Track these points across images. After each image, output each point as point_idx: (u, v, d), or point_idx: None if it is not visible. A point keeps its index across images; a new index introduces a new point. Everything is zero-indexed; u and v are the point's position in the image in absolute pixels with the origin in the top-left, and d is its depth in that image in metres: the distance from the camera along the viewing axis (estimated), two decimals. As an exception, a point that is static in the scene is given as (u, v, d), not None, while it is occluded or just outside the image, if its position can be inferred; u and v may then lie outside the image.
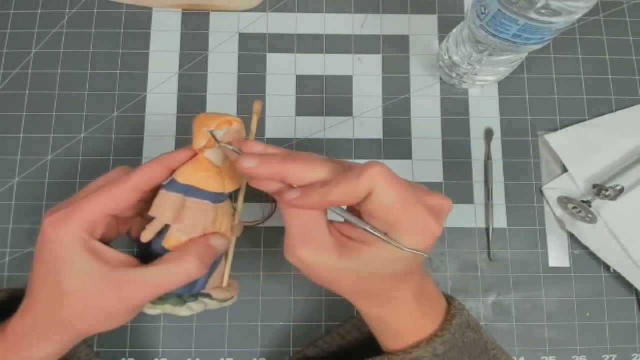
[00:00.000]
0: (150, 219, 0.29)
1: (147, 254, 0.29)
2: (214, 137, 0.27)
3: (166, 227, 0.29)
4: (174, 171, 0.29)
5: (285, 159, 0.25)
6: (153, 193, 0.29)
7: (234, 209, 0.31)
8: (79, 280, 0.26)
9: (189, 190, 0.28)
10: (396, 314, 0.28)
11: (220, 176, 0.29)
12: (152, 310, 0.30)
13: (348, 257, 0.25)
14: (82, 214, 0.26)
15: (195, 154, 0.29)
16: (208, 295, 0.32)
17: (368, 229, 0.25)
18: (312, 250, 0.25)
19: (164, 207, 0.28)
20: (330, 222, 0.27)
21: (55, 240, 0.26)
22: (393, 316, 0.28)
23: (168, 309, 0.31)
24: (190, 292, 0.30)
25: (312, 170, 0.25)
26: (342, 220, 0.27)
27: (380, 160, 0.43)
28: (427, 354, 0.27)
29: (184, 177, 0.28)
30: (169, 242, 0.29)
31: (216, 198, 0.29)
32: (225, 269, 0.32)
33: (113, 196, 0.27)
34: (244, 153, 0.26)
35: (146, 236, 0.28)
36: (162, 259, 0.28)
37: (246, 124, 0.29)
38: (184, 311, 0.31)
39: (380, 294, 0.27)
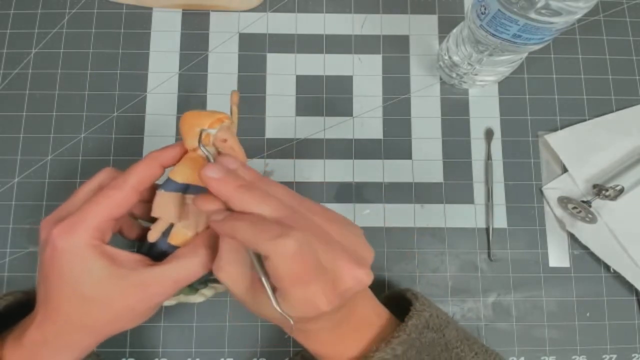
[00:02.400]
0: (151, 219, 0.29)
1: (152, 251, 0.30)
2: (200, 139, 0.28)
3: (170, 225, 0.29)
4: (165, 168, 0.29)
5: (242, 187, 0.25)
6: (148, 192, 0.30)
7: None
8: (101, 287, 0.26)
9: (188, 188, 0.29)
10: (310, 341, 0.29)
11: None
12: (168, 302, 0.32)
13: (250, 294, 0.26)
14: (89, 221, 0.26)
15: (185, 150, 0.29)
16: (216, 280, 0.33)
17: (262, 277, 0.25)
18: (229, 275, 0.27)
19: (167, 207, 0.28)
20: None
21: (68, 251, 0.26)
22: (308, 343, 0.29)
23: (182, 298, 0.33)
24: (199, 279, 0.31)
25: (256, 204, 0.25)
26: None
27: (380, 161, 0.44)
28: (388, 355, 0.27)
29: (181, 176, 0.29)
30: (175, 238, 0.29)
31: None
32: None
33: (115, 200, 0.27)
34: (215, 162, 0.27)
35: (153, 236, 0.29)
36: (176, 255, 0.28)
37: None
38: (197, 298, 0.33)
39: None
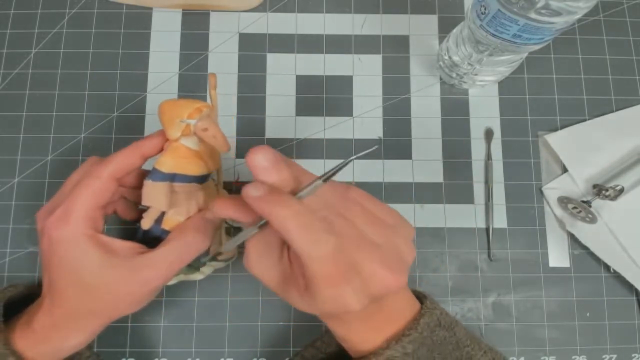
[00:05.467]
0: (140, 205, 0.30)
1: (147, 236, 0.31)
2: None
3: (162, 212, 0.30)
4: (147, 158, 0.30)
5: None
6: (134, 178, 0.31)
7: (216, 184, 0.34)
8: (98, 274, 0.27)
9: (175, 177, 0.30)
10: (343, 330, 0.29)
11: (200, 159, 0.30)
12: (170, 282, 0.33)
13: (281, 288, 0.27)
14: (78, 211, 0.27)
15: (167, 139, 0.30)
16: (213, 259, 0.34)
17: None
18: (260, 271, 0.27)
19: (156, 196, 0.29)
20: None
21: (63, 241, 0.27)
22: (339, 331, 0.29)
23: (183, 277, 0.35)
24: (197, 258, 0.32)
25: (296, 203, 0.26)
26: None
27: (380, 161, 0.44)
28: (397, 353, 0.27)
29: (166, 166, 0.29)
30: (168, 224, 0.30)
31: (202, 179, 0.31)
32: (222, 235, 0.35)
33: (94, 189, 0.28)
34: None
35: (146, 224, 0.30)
36: (167, 239, 0.29)
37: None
38: (197, 275, 0.35)
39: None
